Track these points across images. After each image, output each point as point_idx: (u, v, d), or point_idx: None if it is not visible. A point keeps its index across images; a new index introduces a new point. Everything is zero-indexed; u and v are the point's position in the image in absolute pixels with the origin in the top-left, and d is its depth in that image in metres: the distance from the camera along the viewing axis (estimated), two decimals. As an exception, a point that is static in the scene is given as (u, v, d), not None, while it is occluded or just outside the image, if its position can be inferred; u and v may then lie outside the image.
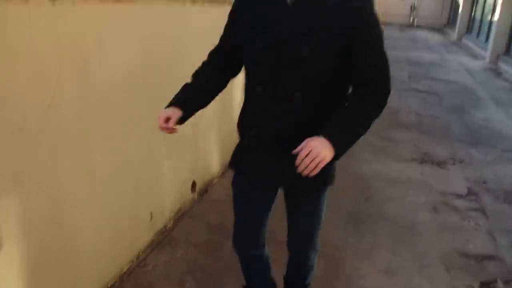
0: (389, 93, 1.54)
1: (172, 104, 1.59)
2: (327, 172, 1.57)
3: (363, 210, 3.50)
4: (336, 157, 1.42)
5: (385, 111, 1.59)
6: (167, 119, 1.54)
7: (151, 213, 2.69)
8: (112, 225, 2.30)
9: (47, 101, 1.66)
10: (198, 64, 1.72)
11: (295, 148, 1.38)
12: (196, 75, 1.70)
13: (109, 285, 2.35)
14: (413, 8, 26.78)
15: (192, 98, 1.65)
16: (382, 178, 4.14)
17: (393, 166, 4.47)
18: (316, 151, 1.34)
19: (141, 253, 2.64)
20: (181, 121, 1.60)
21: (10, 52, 1.49)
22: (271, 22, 1.49)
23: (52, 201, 1.79)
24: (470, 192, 3.97)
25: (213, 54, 1.74)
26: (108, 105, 2.07)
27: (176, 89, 1.66)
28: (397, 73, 9.86)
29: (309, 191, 1.69)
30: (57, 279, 1.93)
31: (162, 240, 2.82)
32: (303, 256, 1.89)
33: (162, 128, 1.55)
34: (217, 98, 1.72)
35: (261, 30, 1.50)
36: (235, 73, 1.75)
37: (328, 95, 1.54)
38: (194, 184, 3.31)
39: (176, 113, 1.56)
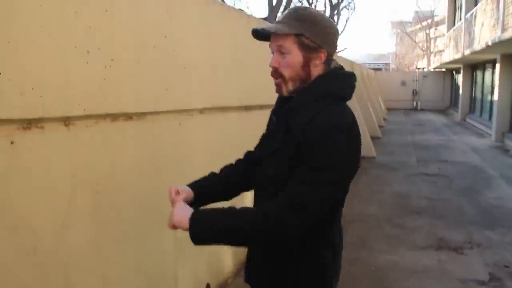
0: (294, 233, 1.31)
1: (189, 184, 1.62)
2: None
3: (382, 304, 3.41)
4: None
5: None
6: (177, 192, 1.53)
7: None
8: None
9: (61, 220, 1.74)
10: (206, 173, 1.81)
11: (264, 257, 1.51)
12: (224, 167, 1.73)
13: None
14: (415, 92, 27.61)
15: (208, 186, 1.65)
16: (399, 268, 4.05)
17: (409, 254, 4.39)
18: (174, 213, 1.40)
19: None
20: (194, 203, 1.58)
21: (26, 176, 1.60)
22: (262, 139, 1.63)
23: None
24: (493, 278, 3.86)
25: (245, 155, 1.76)
26: (120, 219, 2.14)
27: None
28: (405, 159, 9.97)
29: None
30: None
31: None
32: None
33: (171, 197, 1.53)
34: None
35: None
36: None
37: None
38: (208, 287, 3.28)
39: (187, 191, 1.56)
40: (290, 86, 1.45)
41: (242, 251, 1.78)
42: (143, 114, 2.34)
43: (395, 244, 4.67)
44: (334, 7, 25.31)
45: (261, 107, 4.06)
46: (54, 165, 1.73)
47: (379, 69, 40.56)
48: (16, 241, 1.55)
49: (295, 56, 1.42)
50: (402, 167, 8.95)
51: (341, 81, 1.48)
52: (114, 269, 2.11)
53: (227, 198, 1.70)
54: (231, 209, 1.36)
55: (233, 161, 1.76)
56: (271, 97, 1.67)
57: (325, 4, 26.48)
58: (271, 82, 1.51)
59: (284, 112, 1.46)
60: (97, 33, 1.94)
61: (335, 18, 25.86)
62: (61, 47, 1.75)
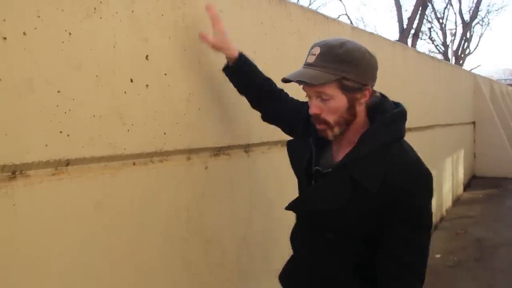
0: None
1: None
2: None
3: None
4: None
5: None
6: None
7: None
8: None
9: (241, 235, 2.04)
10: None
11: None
12: (280, 92, 1.75)
13: None
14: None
15: (252, 78, 1.72)
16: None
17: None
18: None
19: None
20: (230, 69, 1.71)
21: (216, 197, 1.88)
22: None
23: None
24: None
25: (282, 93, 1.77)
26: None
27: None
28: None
29: None
30: None
31: None
32: None
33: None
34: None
35: None
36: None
37: None
38: None
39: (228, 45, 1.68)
40: (337, 130, 1.34)
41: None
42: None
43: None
44: (467, 25, 24.50)
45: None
46: (237, 186, 2.01)
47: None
48: (209, 250, 1.85)
49: (339, 100, 1.30)
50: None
51: (402, 121, 1.38)
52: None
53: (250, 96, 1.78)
54: None
55: None
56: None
57: (455, 23, 25.89)
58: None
59: (345, 164, 1.33)
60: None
61: (468, 35, 25.02)
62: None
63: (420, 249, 1.30)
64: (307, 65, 1.33)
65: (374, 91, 1.37)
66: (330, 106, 1.30)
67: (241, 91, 1.77)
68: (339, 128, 1.33)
